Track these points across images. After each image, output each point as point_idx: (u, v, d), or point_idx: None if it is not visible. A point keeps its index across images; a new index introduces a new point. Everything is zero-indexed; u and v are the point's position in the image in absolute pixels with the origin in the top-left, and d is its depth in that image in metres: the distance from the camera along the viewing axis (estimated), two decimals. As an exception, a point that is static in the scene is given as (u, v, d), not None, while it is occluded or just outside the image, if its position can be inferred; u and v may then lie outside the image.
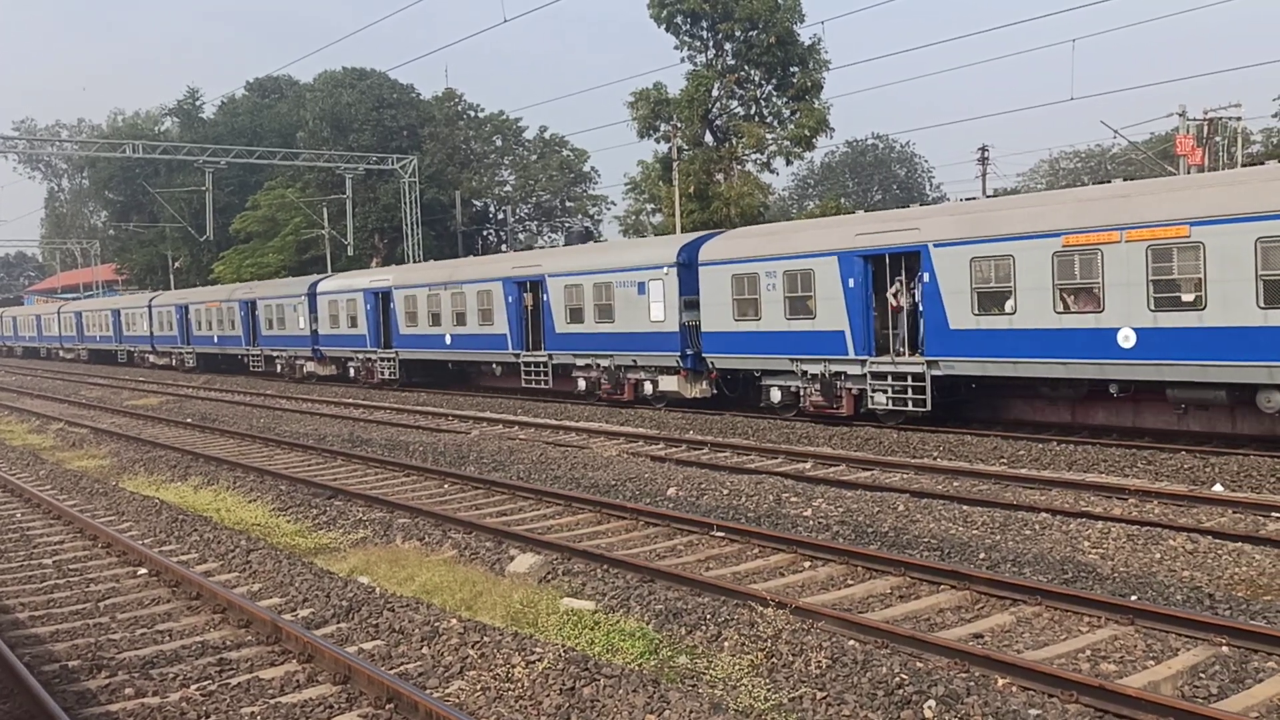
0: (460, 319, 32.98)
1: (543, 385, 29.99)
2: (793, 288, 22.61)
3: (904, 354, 20.99)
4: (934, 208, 24.18)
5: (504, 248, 71.63)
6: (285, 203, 68.26)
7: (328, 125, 67.92)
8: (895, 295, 21.14)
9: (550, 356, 29.63)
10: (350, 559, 12.16)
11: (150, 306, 57.77)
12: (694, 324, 25.20)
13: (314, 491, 16.34)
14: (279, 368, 44.93)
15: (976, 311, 19.31)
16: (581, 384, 28.63)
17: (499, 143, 77.93)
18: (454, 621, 8.97)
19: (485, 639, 8.43)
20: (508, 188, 78.21)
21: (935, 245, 19.89)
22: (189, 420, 28.20)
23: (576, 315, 28.42)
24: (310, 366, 42.52)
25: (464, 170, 71.99)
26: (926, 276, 20.01)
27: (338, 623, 9.49)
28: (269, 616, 9.14)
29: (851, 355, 21.48)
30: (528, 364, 30.47)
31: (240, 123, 78.38)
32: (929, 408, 20.27)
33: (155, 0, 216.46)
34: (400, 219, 60.32)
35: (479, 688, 7.68)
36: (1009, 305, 18.86)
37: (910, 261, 20.77)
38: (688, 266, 25.37)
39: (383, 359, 37.42)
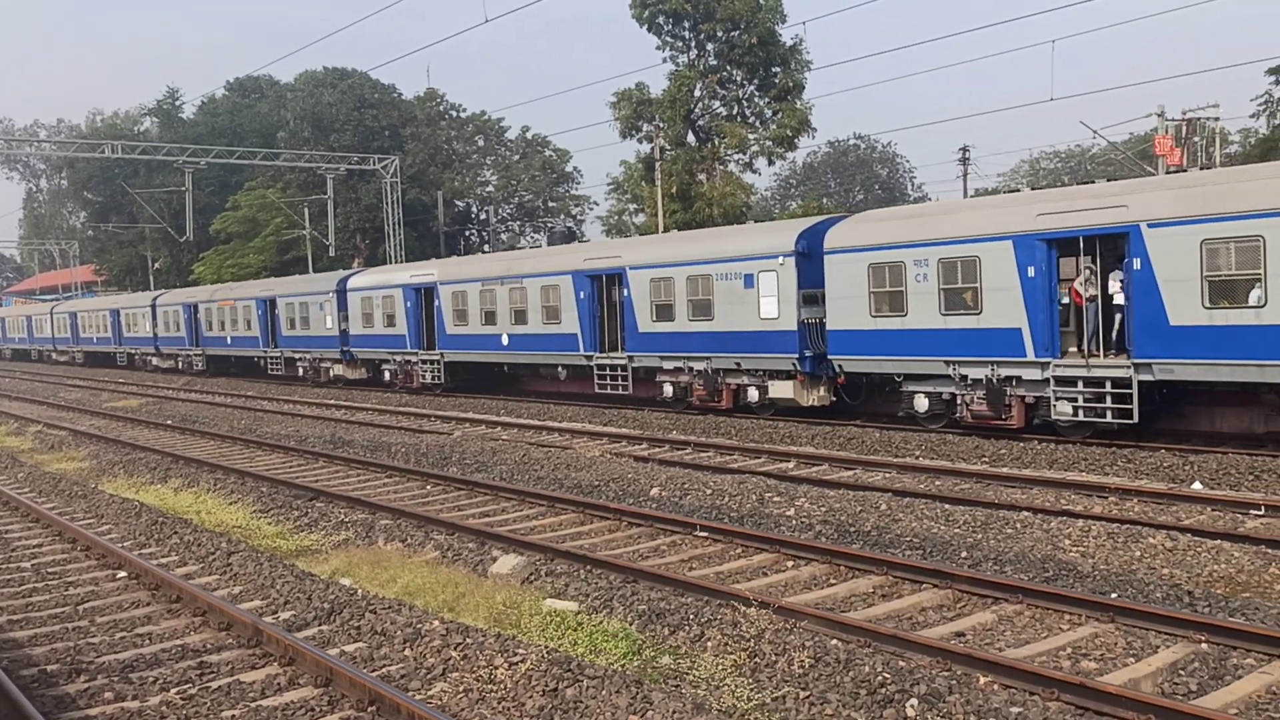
0: (520, 317, 29.71)
1: (620, 391, 26.91)
2: (950, 278, 19.43)
3: (1098, 355, 18.14)
4: (1144, 180, 21.00)
5: (486, 248, 71.47)
6: (266, 203, 67.98)
7: (309, 125, 67.66)
8: (1085, 284, 18.37)
9: (631, 359, 26.48)
10: (332, 561, 12.11)
11: (154, 306, 54.25)
12: (814, 321, 22.27)
13: (296, 493, 16.27)
14: (301, 371, 41.58)
15: (1209, 304, 16.25)
16: (668, 390, 25.66)
17: (481, 143, 77.84)
18: (436, 623, 8.94)
19: (468, 640, 8.41)
20: (490, 188, 78.11)
21: (1150, 225, 16.84)
22: (169, 422, 28.04)
23: (664, 312, 25.26)
24: (338, 370, 39.18)
25: (446, 170, 71.85)
26: (1137, 263, 16.96)
27: (319, 625, 9.45)
28: (250, 619, 9.09)
29: (1030, 357, 18.38)
30: (602, 367, 27.36)
31: (220, 123, 78.01)
32: (1134, 419, 17.21)
33: (135, 0, 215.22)
34: (382, 219, 60.13)
35: (462, 689, 7.66)
36: (1254, 296, 15.80)
37: (1107, 245, 17.99)
38: (807, 255, 22.30)
39: (425, 361, 34.08)
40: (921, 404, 20.40)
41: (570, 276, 28.04)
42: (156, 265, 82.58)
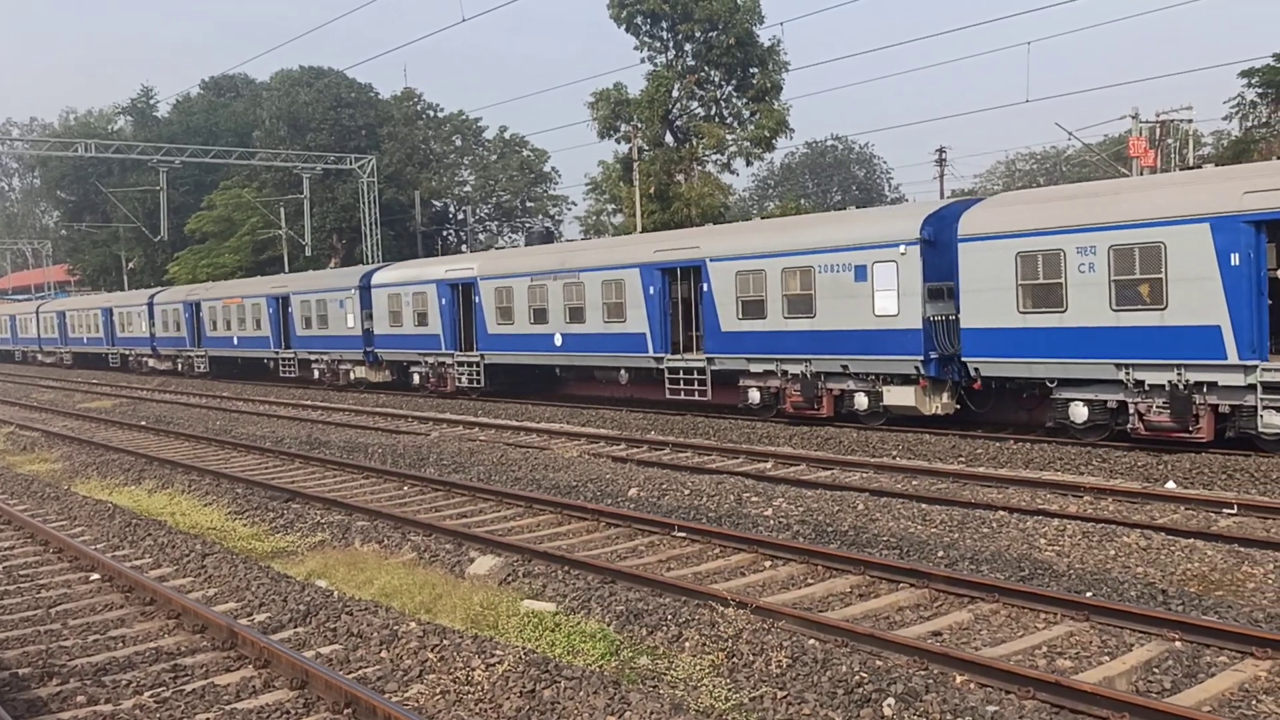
0: (576, 315, 27.02)
1: (697, 397, 24.21)
2: (1125, 268, 16.93)
3: None
4: None
5: (464, 248, 71.34)
6: (241, 203, 67.60)
7: (284, 124, 67.35)
8: None
9: (710, 361, 23.85)
10: (308, 562, 12.05)
11: (151, 304, 50.98)
12: (940, 318, 19.86)
13: (271, 494, 16.18)
14: (317, 374, 38.56)
15: None
16: (754, 396, 22.95)
17: (458, 142, 77.73)
18: (413, 625, 8.91)
19: (445, 642, 8.38)
20: (467, 188, 78.00)
21: None
22: (143, 423, 27.83)
23: (753, 309, 22.61)
24: (359, 372, 36.20)
25: (423, 170, 71.68)
26: None
27: (295, 627, 9.39)
28: (225, 621, 9.03)
29: (1231, 360, 15.87)
30: (675, 370, 24.72)
31: (195, 122, 77.56)
32: None
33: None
34: (359, 219, 59.90)
35: (439, 691, 7.63)
36: None
37: None
38: (933, 244, 19.79)
39: (462, 363, 31.26)
40: (1079, 413, 17.85)
41: (638, 270, 25.38)
42: (130, 265, 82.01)
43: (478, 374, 30.68)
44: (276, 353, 41.24)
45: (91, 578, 11.43)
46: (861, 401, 21.06)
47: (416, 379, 33.68)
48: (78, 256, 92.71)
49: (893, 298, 20.17)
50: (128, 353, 54.63)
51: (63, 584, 11.31)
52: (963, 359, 19.20)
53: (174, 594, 10.05)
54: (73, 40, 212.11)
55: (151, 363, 52.06)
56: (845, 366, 21.15)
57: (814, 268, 21.49)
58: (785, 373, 22.33)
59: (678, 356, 24.95)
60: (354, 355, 36.39)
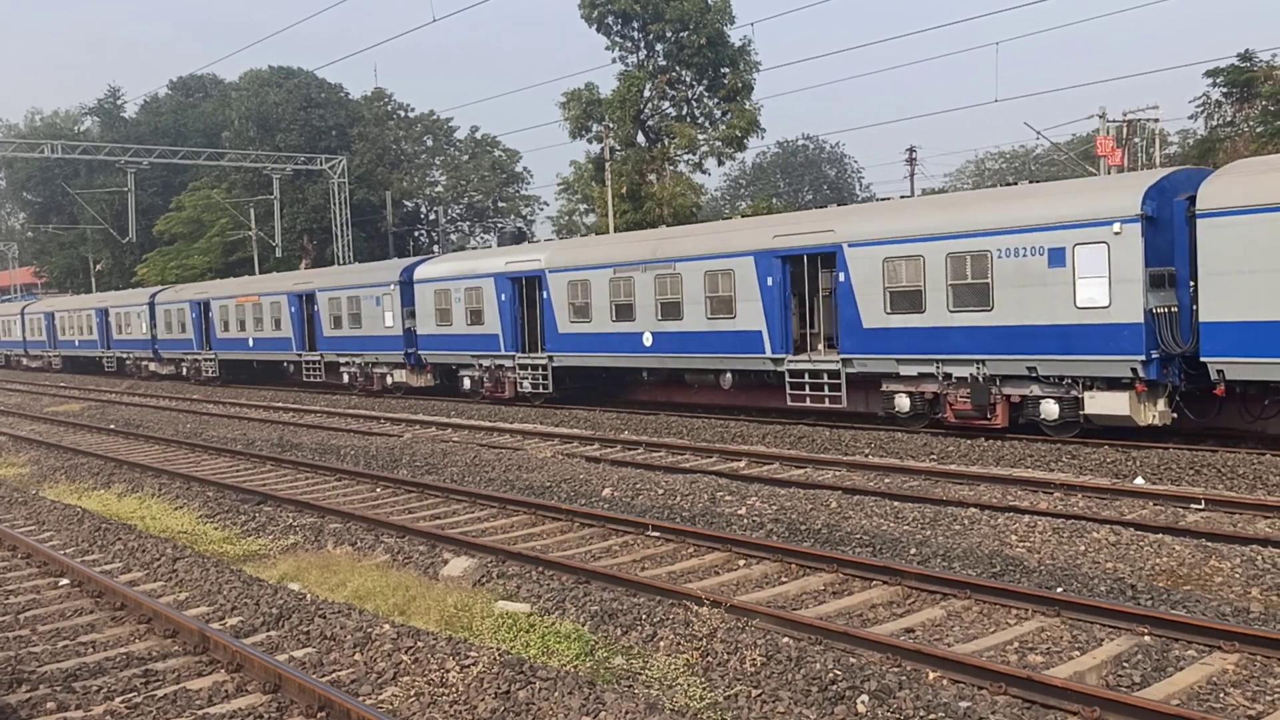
0: (671, 311, 24.00)
1: (827, 404, 21.23)
2: None
3: None
4: None
5: (436, 249, 71.09)
6: (211, 204, 67.10)
7: (254, 125, 66.90)
8: None
9: (846, 362, 20.74)
10: (280, 565, 11.98)
11: (153, 304, 47.47)
12: (1163, 310, 17.00)
13: (243, 497, 16.07)
14: (347, 378, 35.41)
15: None
16: (903, 402, 20.05)
17: (430, 143, 77.47)
18: (387, 627, 8.87)
19: (419, 644, 8.35)
20: (439, 188, 77.73)
21: None
22: (112, 426, 27.57)
23: (906, 301, 19.64)
24: (399, 376, 33.02)
25: (394, 171, 71.39)
26: None
27: (268, 630, 9.34)
28: (196, 626, 8.96)
29: None
30: (798, 374, 21.68)
31: (163, 122, 76.93)
32: None
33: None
34: (329, 220, 59.57)
35: (413, 693, 7.61)
36: None
37: None
38: (1154, 221, 16.96)
39: (525, 366, 28.12)
40: None
41: (751, 258, 22.25)
42: (98, 267, 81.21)
43: (544, 378, 27.60)
44: (299, 355, 37.69)
45: (60, 583, 11.32)
46: (1050, 410, 18.03)
47: (467, 383, 30.45)
48: (44, 258, 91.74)
49: (1102, 286, 17.22)
50: (125, 356, 51.01)
51: (31, 590, 11.19)
52: (1201, 359, 16.31)
53: (145, 598, 9.97)
54: (38, 40, 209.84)
55: (153, 367, 48.48)
56: (1033, 369, 18.12)
57: (991, 252, 18.44)
58: (948, 376, 19.25)
59: (802, 357, 21.82)
60: (392, 357, 33.20)
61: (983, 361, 18.74)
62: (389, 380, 33.62)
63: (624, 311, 25.24)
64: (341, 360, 35.55)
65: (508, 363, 28.72)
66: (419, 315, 31.62)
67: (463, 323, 30.02)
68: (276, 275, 44.23)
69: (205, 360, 43.76)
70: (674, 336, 24.18)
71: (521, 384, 28.29)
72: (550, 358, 27.38)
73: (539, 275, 27.57)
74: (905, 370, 19.94)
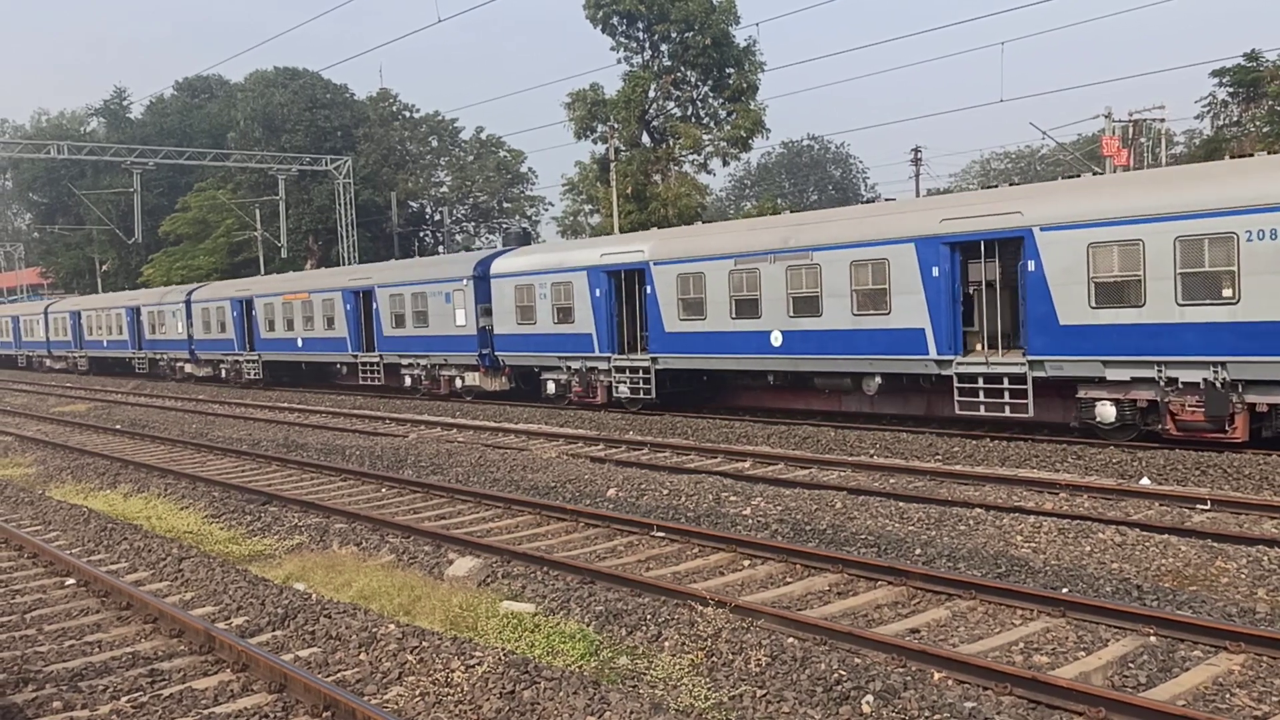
0: (805, 306, 21.36)
1: (1009, 412, 18.46)
2: None
3: None
4: None
5: (440, 249, 71.18)
6: (216, 204, 67.24)
7: (259, 126, 67.04)
8: None
9: (1035, 365, 18.06)
10: (286, 565, 11.99)
11: (189, 302, 45.08)
12: None
13: (248, 497, 16.10)
14: (410, 380, 32.90)
15: None
16: (1106, 411, 17.46)
17: (435, 143, 77.59)
18: (392, 627, 8.88)
19: (424, 644, 8.36)
20: (444, 189, 77.87)
21: None
22: (118, 427, 27.62)
23: (1118, 293, 17.03)
24: (472, 379, 30.44)
25: (399, 171, 71.50)
26: None
27: (273, 630, 9.35)
28: (202, 625, 8.98)
29: None
30: (970, 377, 18.92)
31: (169, 123, 77.15)
32: None
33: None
34: (335, 221, 59.66)
35: (418, 693, 7.61)
36: None
37: None
38: None
39: (622, 369, 25.53)
40: None
41: (913, 246, 19.54)
42: (104, 267, 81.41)
43: (645, 381, 25.03)
44: (355, 356, 35.09)
45: (67, 583, 11.34)
46: None
47: (551, 388, 27.90)
48: (50, 259, 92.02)
49: None
50: (159, 357, 48.30)
51: (38, 589, 11.22)
52: None
53: (151, 598, 9.99)
54: (44, 41, 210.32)
55: (188, 368, 46.01)
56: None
57: (1237, 235, 15.74)
58: (1171, 381, 16.76)
59: (975, 358, 19.21)
60: (464, 359, 30.47)
61: (1221, 364, 16.14)
62: (458, 383, 31.16)
63: (747, 307, 22.54)
64: (404, 362, 32.98)
65: (602, 365, 26.16)
66: (496, 313, 29.15)
67: (549, 321, 27.46)
68: (329, 270, 41.68)
69: (247, 361, 41.27)
70: (809, 335, 21.46)
71: (617, 388, 25.66)
72: (653, 359, 24.77)
73: (642, 268, 25.00)
74: (1113, 374, 17.29)
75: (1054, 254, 17.71)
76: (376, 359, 33.97)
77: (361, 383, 35.24)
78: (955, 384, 19.15)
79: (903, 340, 19.91)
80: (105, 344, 53.11)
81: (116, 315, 51.74)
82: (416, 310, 31.99)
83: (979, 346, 19.60)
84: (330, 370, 38.76)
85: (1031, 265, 18.01)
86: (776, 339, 22.12)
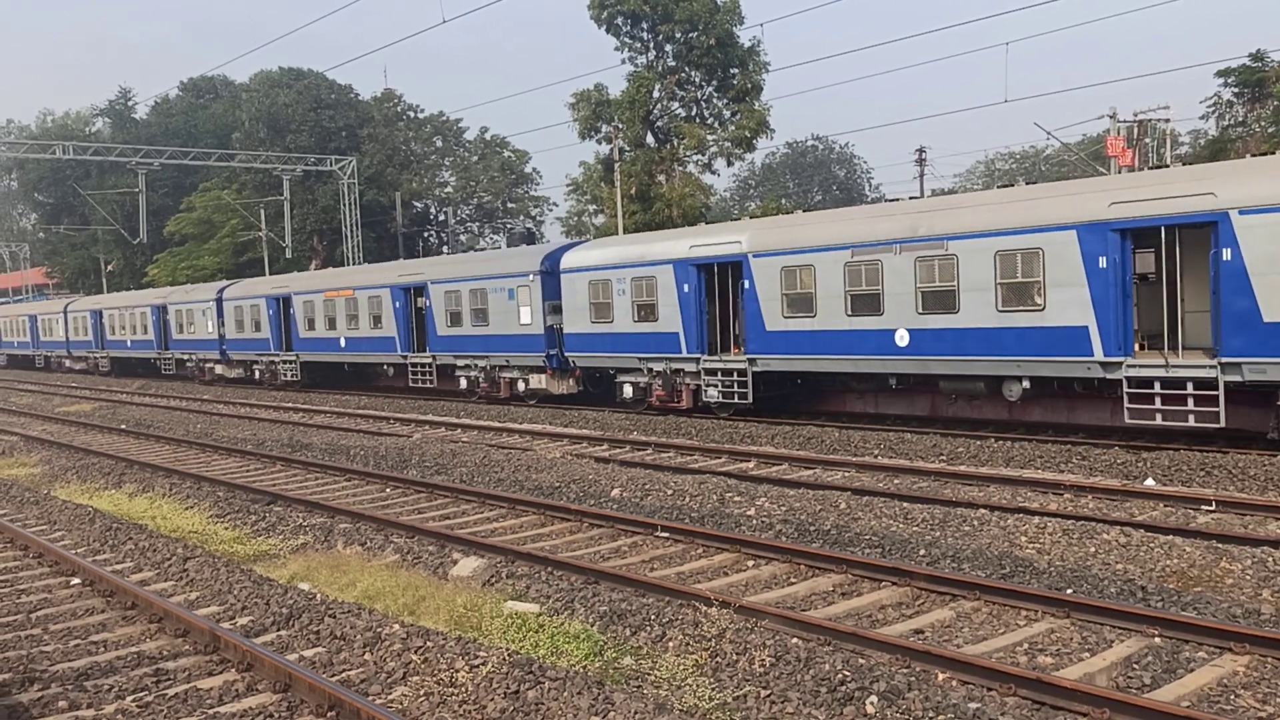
0: (935, 302, 19.21)
1: (1193, 422, 16.15)
2: None
3: None
4: None
5: (444, 250, 71.22)
6: (221, 204, 67.33)
7: (264, 126, 67.11)
8: None
9: (1228, 368, 15.81)
10: (290, 565, 12.01)
11: (221, 300, 42.98)
12: None
13: (253, 497, 16.12)
14: (466, 383, 30.77)
15: None
16: None
17: (439, 144, 77.63)
18: (396, 627, 8.89)
19: (428, 644, 8.37)
20: (448, 189, 77.89)
21: None
22: (123, 426, 27.67)
23: None
24: (538, 381, 28.29)
25: (404, 171, 71.54)
26: None
27: (278, 630, 9.37)
28: (207, 625, 9.00)
29: None
30: (1145, 381, 16.66)
31: (174, 123, 77.24)
32: None
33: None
34: (339, 221, 59.70)
35: (422, 693, 7.63)
36: None
37: None
38: None
39: (716, 370, 23.27)
40: None
41: (1073, 233, 17.35)
42: (109, 268, 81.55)
43: (740, 384, 22.79)
44: (405, 357, 32.91)
45: (72, 582, 11.37)
46: None
47: (629, 391, 25.68)
48: (56, 259, 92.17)
49: None
50: (186, 358, 46.21)
51: (43, 589, 11.24)
52: None
53: (156, 598, 10.01)
54: (49, 41, 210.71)
55: (219, 370, 43.93)
56: None
57: None
58: None
59: (1151, 361, 16.79)
60: (528, 360, 28.41)
61: None
62: (520, 386, 29.02)
63: (866, 303, 20.34)
64: (459, 363, 30.81)
65: (689, 366, 23.96)
66: (567, 310, 26.91)
67: (628, 319, 25.23)
68: (377, 266, 39.57)
69: (284, 362, 39.00)
70: (942, 334, 19.26)
71: (707, 391, 23.52)
72: (751, 360, 22.54)
73: (739, 261, 22.70)
74: None
75: (1256, 240, 15.46)
76: (429, 360, 31.86)
77: (411, 385, 32.91)
78: (1125, 389, 16.88)
79: (1059, 339, 17.73)
80: (129, 344, 51.09)
81: (141, 314, 49.52)
82: (475, 308, 29.87)
83: (1139, 346, 17.78)
84: (374, 372, 36.73)
85: (1227, 254, 15.76)
86: (902, 338, 19.93)
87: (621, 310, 25.36)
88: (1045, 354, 17.95)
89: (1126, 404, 16.82)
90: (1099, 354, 17.24)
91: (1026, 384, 18.63)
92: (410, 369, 32.59)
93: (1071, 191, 18.77)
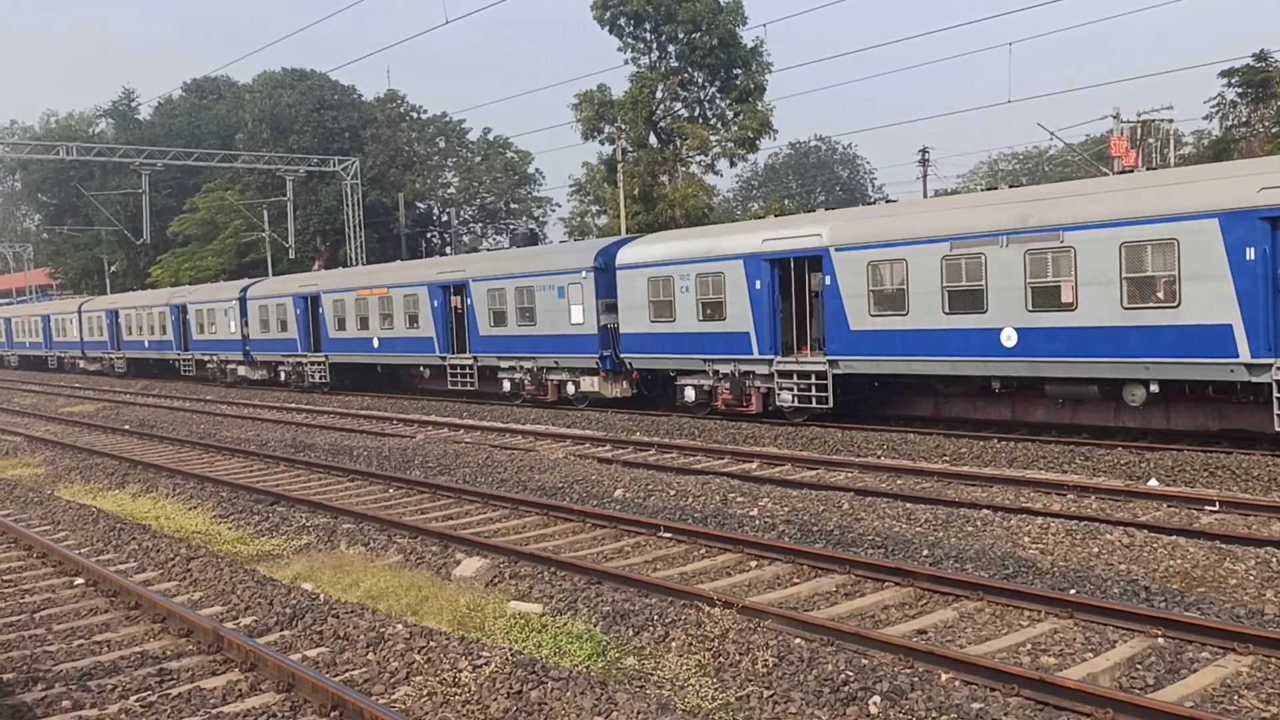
0: (1050, 299, 17.76)
1: None
2: None
3: None
4: None
5: (448, 250, 71.26)
6: (224, 205, 67.42)
7: (267, 127, 67.18)
8: None
9: None
10: (294, 565, 12.02)
11: (244, 299, 41.50)
12: None
13: (256, 498, 16.13)
14: (509, 385, 29.26)
15: None
16: None
17: (442, 144, 77.66)
18: (400, 627, 8.90)
19: (431, 644, 8.38)
20: (451, 190, 77.92)
21: None
22: (126, 427, 27.70)
23: None
24: (590, 384, 26.91)
25: (407, 172, 71.57)
26: None
27: (281, 630, 9.38)
28: (210, 625, 9.01)
29: None
30: None
31: (178, 124, 77.35)
32: None
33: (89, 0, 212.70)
34: (342, 221, 59.73)
35: (425, 693, 7.63)
36: None
37: None
38: None
39: (790, 373, 21.71)
40: None
41: (1215, 222, 15.84)
42: (113, 268, 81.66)
43: (820, 388, 21.20)
44: (444, 358, 31.42)
45: (76, 582, 11.38)
46: None
47: (691, 394, 24.12)
48: (59, 260, 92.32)
49: None
50: (207, 359, 44.87)
51: (47, 589, 11.26)
52: None
53: (159, 598, 10.02)
54: (53, 42, 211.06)
55: (241, 371, 42.67)
56: None
57: None
58: None
59: None
60: (579, 361, 26.91)
61: None
62: (570, 389, 27.50)
63: (967, 300, 18.90)
64: (503, 364, 29.34)
65: (760, 368, 22.47)
66: (623, 309, 25.42)
67: (691, 317, 23.74)
68: (413, 263, 38.10)
69: (312, 364, 37.49)
70: (1056, 333, 17.77)
71: (779, 395, 21.92)
72: (832, 362, 21.02)
73: (819, 255, 21.14)
74: None
75: None
76: (470, 361, 30.35)
77: (450, 388, 31.39)
78: (1276, 394, 15.47)
79: (1197, 339, 16.28)
80: (146, 344, 49.64)
81: (160, 314, 48.02)
82: (521, 306, 28.29)
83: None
84: (408, 374, 35.19)
85: None
86: (1009, 338, 18.40)
87: (684, 308, 23.88)
88: (1179, 355, 16.45)
89: (1277, 410, 15.43)
90: (1245, 355, 15.74)
91: (1154, 387, 17.15)
92: (449, 371, 31.23)
93: (1213, 176, 17.07)
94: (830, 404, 21.09)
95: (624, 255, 25.65)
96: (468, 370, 30.56)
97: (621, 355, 25.74)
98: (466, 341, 30.54)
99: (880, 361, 20.42)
